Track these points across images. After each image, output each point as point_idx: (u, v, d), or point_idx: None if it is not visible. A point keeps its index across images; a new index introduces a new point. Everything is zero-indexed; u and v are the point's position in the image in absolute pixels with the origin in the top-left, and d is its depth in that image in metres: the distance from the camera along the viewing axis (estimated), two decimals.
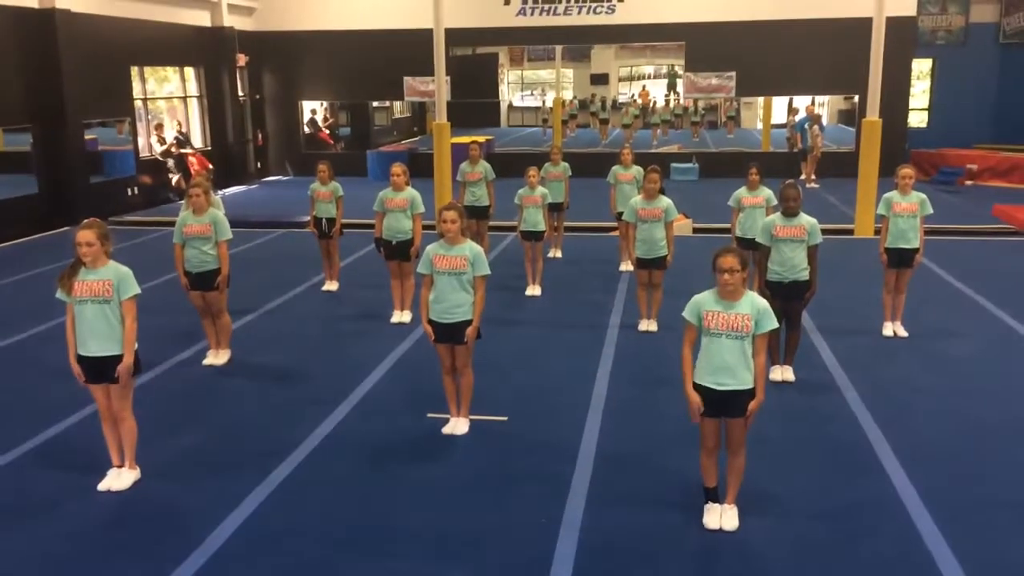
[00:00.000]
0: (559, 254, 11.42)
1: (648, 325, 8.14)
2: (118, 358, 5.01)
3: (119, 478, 5.20)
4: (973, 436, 5.83)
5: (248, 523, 4.76)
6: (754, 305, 4.48)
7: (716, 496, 4.73)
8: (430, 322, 5.76)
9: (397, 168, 8.38)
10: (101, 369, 5.04)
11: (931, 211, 7.78)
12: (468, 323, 5.71)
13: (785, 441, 5.77)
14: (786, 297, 6.63)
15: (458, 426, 5.95)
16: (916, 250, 7.74)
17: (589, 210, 13.38)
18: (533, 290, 9.57)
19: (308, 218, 9.88)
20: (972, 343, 7.76)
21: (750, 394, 4.50)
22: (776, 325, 4.57)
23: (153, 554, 4.46)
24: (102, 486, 5.17)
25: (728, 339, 4.45)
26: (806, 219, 6.65)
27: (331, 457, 5.62)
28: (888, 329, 7.93)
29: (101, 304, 4.97)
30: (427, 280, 5.73)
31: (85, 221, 5.12)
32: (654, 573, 4.28)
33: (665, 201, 8.00)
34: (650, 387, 6.77)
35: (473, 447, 5.76)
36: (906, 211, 7.69)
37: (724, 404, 4.53)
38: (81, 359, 5.06)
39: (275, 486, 5.19)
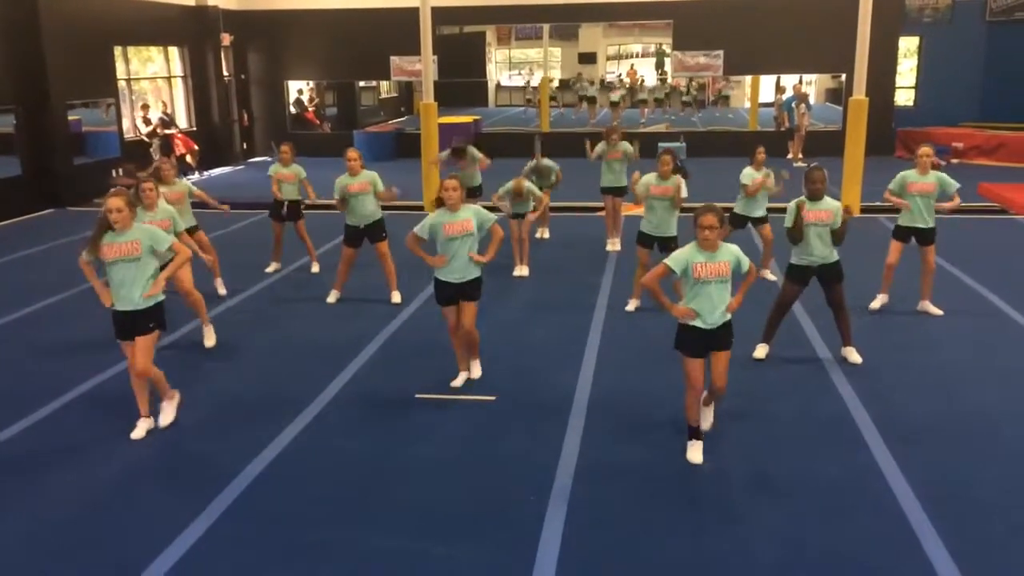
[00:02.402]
0: (547, 235, 11.43)
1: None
2: (146, 313, 5.47)
3: (162, 415, 5.71)
4: (955, 413, 5.90)
5: (237, 503, 4.79)
6: (731, 252, 5.15)
7: (699, 434, 5.25)
8: (443, 284, 6.18)
9: (352, 153, 8.37)
10: (132, 325, 5.48)
11: (956, 184, 7.73)
12: (477, 280, 6.20)
13: (771, 416, 5.83)
14: (824, 282, 6.70)
15: (473, 370, 6.50)
16: (932, 229, 7.76)
17: (576, 191, 13.35)
18: (520, 271, 9.58)
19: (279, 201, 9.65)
20: (957, 321, 7.82)
21: (729, 327, 5.18)
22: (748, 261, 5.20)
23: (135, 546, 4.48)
24: (135, 435, 5.57)
25: (716, 284, 5.07)
26: (832, 202, 6.55)
27: (320, 436, 5.64)
28: (877, 302, 7.98)
29: (131, 263, 5.41)
30: (416, 239, 6.13)
31: (113, 190, 5.56)
32: (644, 551, 4.33)
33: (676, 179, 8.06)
34: (639, 368, 6.82)
35: (461, 426, 5.79)
36: (922, 191, 7.69)
37: (712, 339, 5.14)
38: (115, 315, 5.51)
39: (266, 464, 5.21)
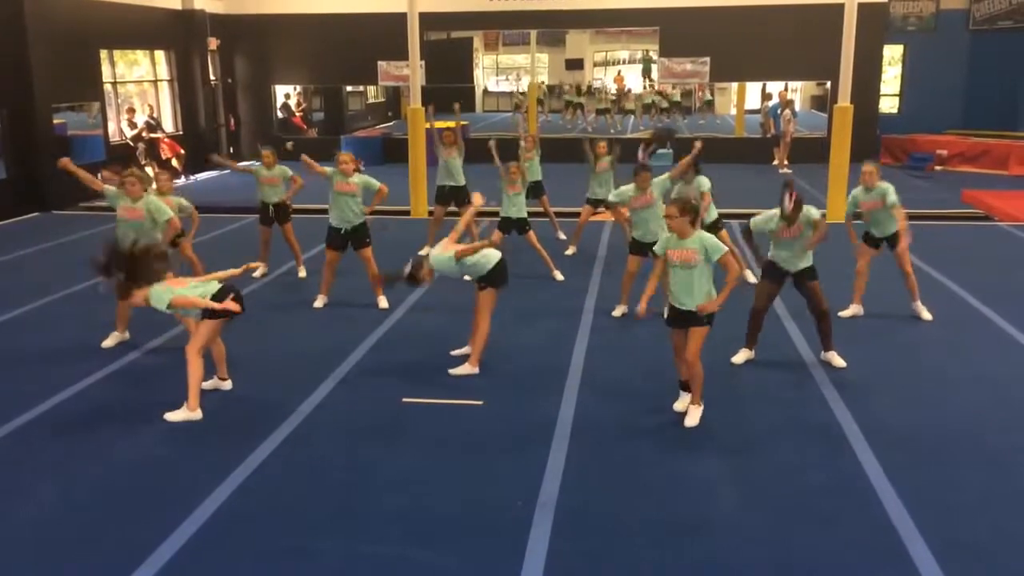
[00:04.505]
0: (562, 235, 11.49)
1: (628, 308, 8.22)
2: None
3: (176, 413, 5.92)
4: (939, 419, 5.93)
5: (221, 510, 4.76)
6: (699, 239, 5.57)
7: (687, 387, 5.91)
8: None
9: (345, 156, 8.40)
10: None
11: (894, 199, 7.72)
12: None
13: (756, 421, 5.86)
14: (799, 285, 6.78)
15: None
16: (894, 235, 7.83)
17: (564, 195, 13.35)
18: (555, 275, 9.61)
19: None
20: (941, 327, 7.88)
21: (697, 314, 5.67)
22: (724, 248, 5.58)
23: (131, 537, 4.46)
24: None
25: (680, 269, 5.62)
26: (808, 212, 6.58)
27: (305, 441, 5.62)
28: (849, 311, 8.04)
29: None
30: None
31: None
32: (630, 558, 4.34)
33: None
34: (627, 373, 6.83)
35: (449, 429, 5.78)
36: (871, 207, 7.82)
37: (684, 319, 5.71)
38: None
39: (251, 470, 5.19)
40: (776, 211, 6.54)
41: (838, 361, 6.83)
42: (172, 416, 5.90)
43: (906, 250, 7.89)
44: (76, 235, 12.51)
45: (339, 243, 8.46)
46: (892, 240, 7.88)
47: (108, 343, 7.41)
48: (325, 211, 8.57)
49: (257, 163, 9.82)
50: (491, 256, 6.63)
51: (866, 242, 8.00)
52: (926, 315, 8.00)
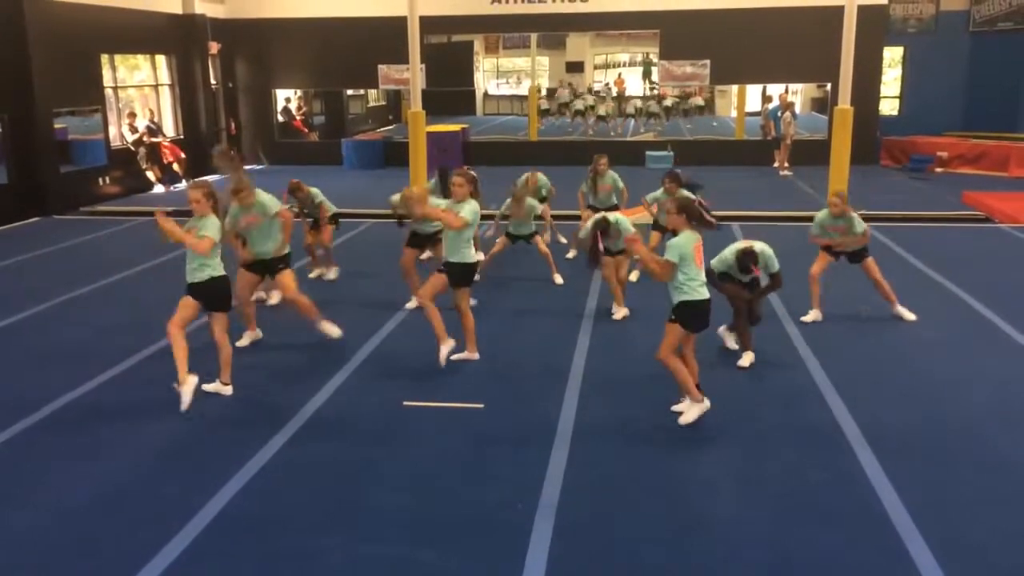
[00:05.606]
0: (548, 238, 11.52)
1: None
2: (206, 284, 6.18)
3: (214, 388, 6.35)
4: (939, 418, 5.94)
5: (223, 512, 4.77)
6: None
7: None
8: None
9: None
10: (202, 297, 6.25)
11: (860, 230, 7.79)
12: (452, 265, 6.79)
13: (757, 421, 5.86)
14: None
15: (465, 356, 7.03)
16: (858, 251, 7.89)
17: (564, 198, 13.35)
18: (556, 278, 9.57)
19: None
20: (942, 328, 7.88)
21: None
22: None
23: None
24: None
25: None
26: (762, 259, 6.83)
27: (308, 443, 5.63)
28: (810, 317, 7.98)
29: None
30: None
31: (193, 182, 6.60)
32: (631, 558, 4.35)
33: None
34: (627, 375, 6.83)
35: (450, 430, 5.80)
36: (837, 231, 7.86)
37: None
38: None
39: (254, 472, 5.20)
40: (731, 255, 6.84)
41: (745, 360, 6.87)
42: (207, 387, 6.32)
43: (872, 261, 7.94)
44: (77, 240, 12.53)
45: (419, 243, 8.61)
46: (851, 256, 7.94)
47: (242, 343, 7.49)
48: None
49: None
50: (472, 255, 6.89)
51: (825, 250, 8.01)
52: (909, 316, 7.99)
